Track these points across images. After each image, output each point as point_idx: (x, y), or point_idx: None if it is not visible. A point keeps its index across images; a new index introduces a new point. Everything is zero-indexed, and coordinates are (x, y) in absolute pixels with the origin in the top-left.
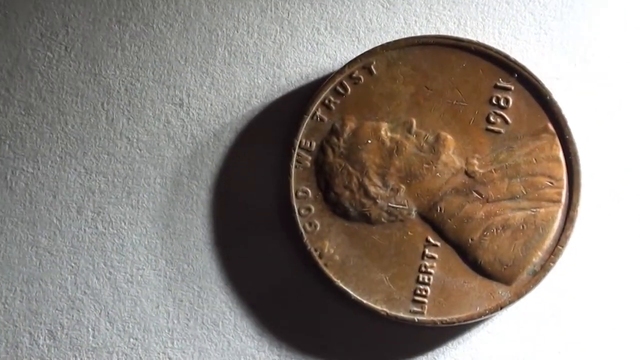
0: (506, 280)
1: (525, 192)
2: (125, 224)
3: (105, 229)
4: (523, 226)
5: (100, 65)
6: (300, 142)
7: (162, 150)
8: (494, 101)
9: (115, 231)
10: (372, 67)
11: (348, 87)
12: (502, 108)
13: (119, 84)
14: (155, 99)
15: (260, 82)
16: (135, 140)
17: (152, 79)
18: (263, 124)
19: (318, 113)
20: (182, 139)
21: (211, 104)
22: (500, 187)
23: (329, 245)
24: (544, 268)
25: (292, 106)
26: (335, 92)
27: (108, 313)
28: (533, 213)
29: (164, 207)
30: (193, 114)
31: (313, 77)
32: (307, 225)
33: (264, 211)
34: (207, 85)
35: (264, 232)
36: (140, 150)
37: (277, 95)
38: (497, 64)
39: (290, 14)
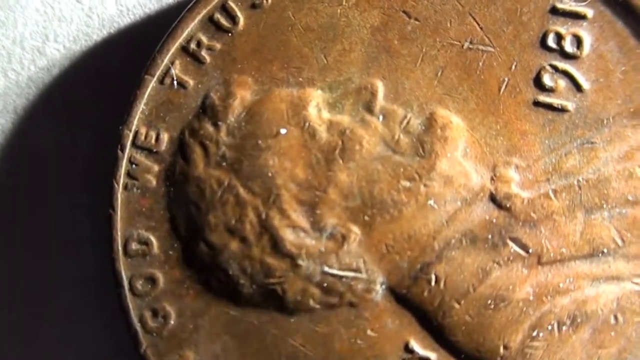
0: None
1: (621, 242)
2: None
3: None
4: (616, 318)
5: None
6: (137, 133)
7: None
8: (550, 43)
9: None
10: None
11: (239, 14)
12: (567, 57)
13: None
14: None
15: (64, 10)
16: None
17: None
18: (64, 96)
19: (175, 71)
20: None
21: None
22: (566, 231)
23: (194, 359)
24: None
25: (123, 58)
26: (211, 25)
27: None
28: (637, 288)
29: None
30: None
31: None
32: (147, 316)
33: (63, 285)
34: None
35: (67, 327)
36: None
37: (97, 35)
38: None
39: None
